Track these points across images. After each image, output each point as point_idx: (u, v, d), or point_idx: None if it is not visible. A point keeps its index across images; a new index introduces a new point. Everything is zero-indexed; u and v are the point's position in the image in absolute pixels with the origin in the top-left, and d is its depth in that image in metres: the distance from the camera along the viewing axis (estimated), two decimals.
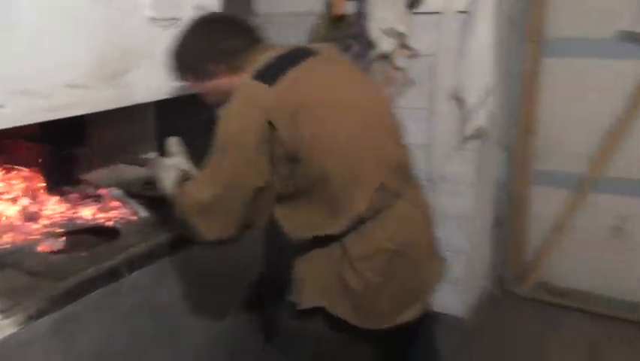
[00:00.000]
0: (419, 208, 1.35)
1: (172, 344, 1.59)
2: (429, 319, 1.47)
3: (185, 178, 1.40)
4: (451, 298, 2.51)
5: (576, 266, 2.64)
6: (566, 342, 2.33)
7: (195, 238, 1.32)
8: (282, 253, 1.33)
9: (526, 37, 2.47)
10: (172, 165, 1.42)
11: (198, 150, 1.39)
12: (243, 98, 1.24)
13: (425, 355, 1.54)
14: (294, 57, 1.28)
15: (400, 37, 2.26)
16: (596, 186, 2.49)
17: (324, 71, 1.30)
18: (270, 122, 1.19)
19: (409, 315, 1.30)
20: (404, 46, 2.29)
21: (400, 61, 2.32)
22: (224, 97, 1.30)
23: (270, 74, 1.23)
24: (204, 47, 1.34)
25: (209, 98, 1.41)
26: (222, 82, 1.34)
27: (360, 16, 2.27)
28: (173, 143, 1.46)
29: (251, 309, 1.78)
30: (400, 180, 1.30)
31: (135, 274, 1.44)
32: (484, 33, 2.12)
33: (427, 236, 1.36)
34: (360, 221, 1.22)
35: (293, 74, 1.23)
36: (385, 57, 2.32)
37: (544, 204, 2.65)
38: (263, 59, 1.28)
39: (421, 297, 1.34)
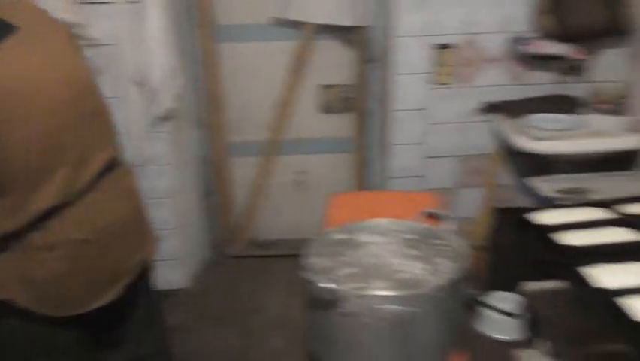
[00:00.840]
0: (118, 196, 1.32)
1: None
2: (146, 295, 1.48)
3: None
4: (172, 273, 2.67)
5: (273, 220, 3.09)
6: (273, 284, 2.74)
7: None
8: None
9: (199, 24, 2.72)
10: None
11: None
12: None
13: (142, 330, 1.51)
14: None
15: (73, 27, 2.24)
16: (279, 149, 2.94)
17: (25, 54, 1.14)
18: None
19: (106, 298, 1.30)
20: (80, 36, 2.28)
21: None
22: None
23: None
24: None
25: None
26: None
27: None
28: None
29: None
30: (94, 171, 1.25)
31: None
32: (157, 21, 2.26)
33: (126, 219, 1.35)
34: (45, 216, 1.17)
35: None
36: None
37: (243, 171, 2.99)
38: None
39: (119, 280, 1.33)
